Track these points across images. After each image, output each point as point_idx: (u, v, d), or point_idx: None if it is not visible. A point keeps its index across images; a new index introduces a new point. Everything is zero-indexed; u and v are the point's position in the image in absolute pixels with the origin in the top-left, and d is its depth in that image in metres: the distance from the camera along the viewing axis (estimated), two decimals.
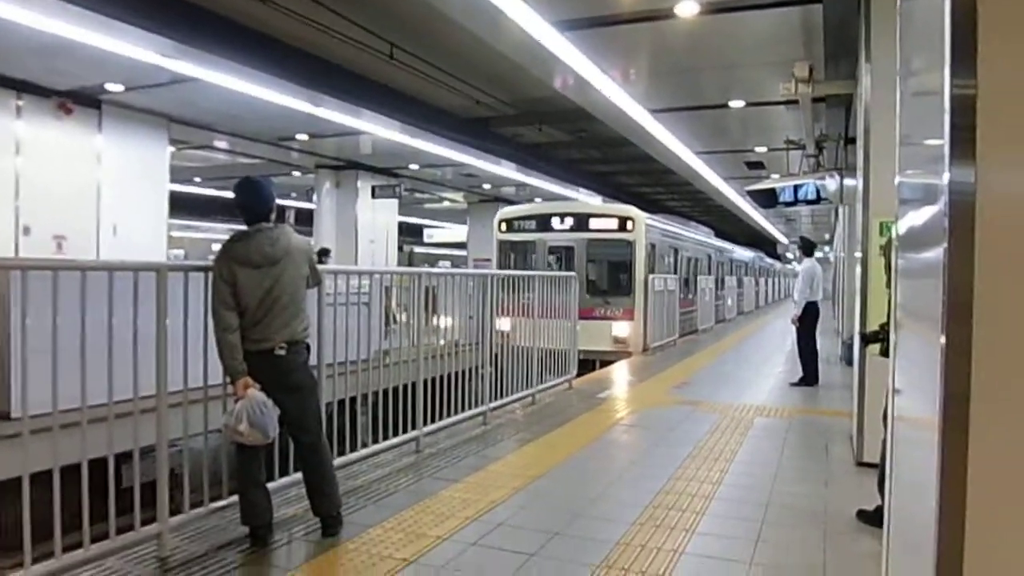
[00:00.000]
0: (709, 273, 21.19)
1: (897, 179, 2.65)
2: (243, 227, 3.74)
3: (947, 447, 1.54)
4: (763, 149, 15.60)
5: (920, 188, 2.06)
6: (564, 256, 14.72)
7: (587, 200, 20.44)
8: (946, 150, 1.57)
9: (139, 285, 3.47)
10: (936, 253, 1.64)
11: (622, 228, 14.39)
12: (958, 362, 1.52)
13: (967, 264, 1.51)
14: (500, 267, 14.55)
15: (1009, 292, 1.49)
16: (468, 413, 6.62)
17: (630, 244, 14.21)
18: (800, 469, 5.47)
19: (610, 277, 15.01)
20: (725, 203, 25.32)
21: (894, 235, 3.03)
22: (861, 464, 5.41)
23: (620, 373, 10.79)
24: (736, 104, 11.58)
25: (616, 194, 21.46)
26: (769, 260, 42.48)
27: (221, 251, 3.66)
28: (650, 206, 20.31)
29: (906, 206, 2.43)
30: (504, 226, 15.37)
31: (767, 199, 11.35)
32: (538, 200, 20.88)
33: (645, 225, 14.58)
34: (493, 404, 7.05)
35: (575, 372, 9.27)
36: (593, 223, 14.63)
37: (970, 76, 1.51)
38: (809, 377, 9.62)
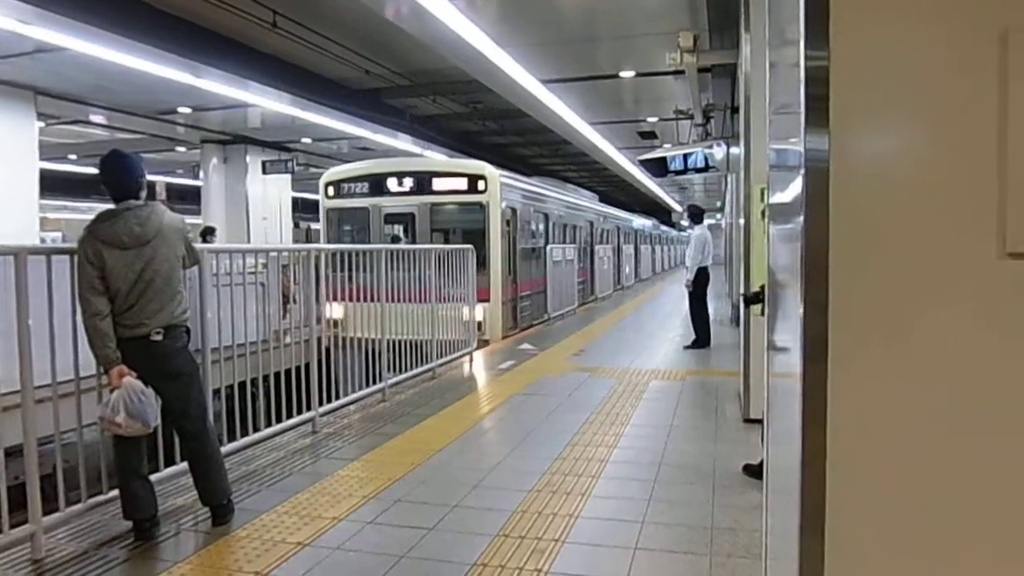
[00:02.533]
0: (592, 242, 19.74)
1: (768, 147, 2.75)
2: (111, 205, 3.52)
3: (808, 398, 1.61)
4: (654, 119, 15.95)
5: (784, 155, 2.14)
6: (406, 225, 12.57)
7: (434, 157, 16.73)
8: (802, 119, 1.62)
9: None
10: (797, 217, 1.71)
11: (472, 189, 12.07)
12: (816, 320, 1.59)
13: (822, 228, 1.57)
14: (329, 240, 12.45)
15: (861, 254, 1.56)
16: (366, 391, 6.53)
17: (483, 208, 11.99)
18: (692, 428, 5.69)
19: None
20: (621, 173, 25.83)
21: (766, 201, 3.15)
22: (748, 420, 5.67)
23: (520, 344, 10.89)
24: (627, 74, 11.77)
25: (503, 161, 18.43)
26: (665, 228, 43.70)
27: (86, 232, 3.42)
28: (549, 178, 19.43)
29: (774, 173, 2.53)
30: (331, 190, 12.78)
31: (658, 168, 11.64)
32: None
33: (501, 184, 12.22)
34: (392, 380, 6.99)
35: (475, 344, 9.30)
36: (437, 184, 12.24)
37: (823, 48, 1.56)
38: (702, 339, 9.98)
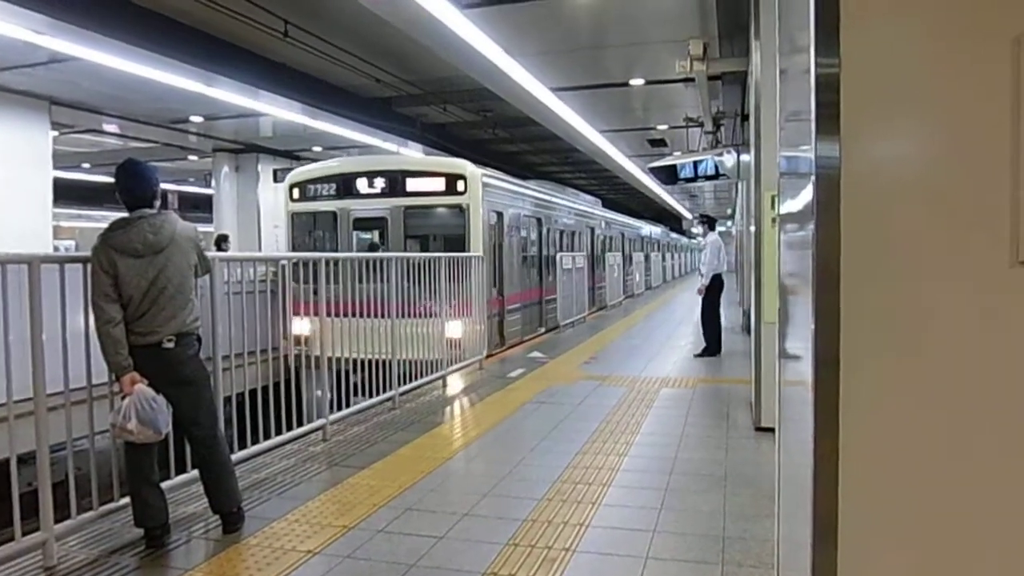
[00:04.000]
0: (594, 250, 18.64)
1: (778, 154, 2.74)
2: (125, 214, 3.55)
3: (820, 406, 1.61)
4: (664, 126, 15.94)
5: (795, 163, 2.13)
6: (380, 231, 11.22)
7: (409, 155, 15.05)
8: (812, 126, 1.62)
9: (8, 278, 3.24)
10: (808, 224, 1.70)
11: (451, 190, 10.70)
12: (828, 328, 1.58)
13: (834, 235, 1.57)
14: (294, 248, 11.34)
15: (873, 262, 1.55)
16: (377, 398, 6.54)
17: (463, 211, 10.64)
18: (702, 437, 5.66)
19: None
20: (631, 180, 25.79)
21: (777, 208, 3.15)
22: (760, 429, 5.63)
23: (528, 352, 10.87)
24: (636, 82, 11.78)
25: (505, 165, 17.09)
26: (675, 235, 43.62)
27: (100, 240, 3.45)
28: (548, 181, 18.57)
29: (785, 180, 2.52)
30: (296, 192, 11.44)
31: (668, 175, 11.61)
32: None
33: (483, 185, 10.83)
34: (403, 388, 6.99)
35: (486, 353, 9.30)
36: (412, 184, 10.85)
37: (833, 55, 1.56)
38: (712, 348, 9.93)
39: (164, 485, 3.79)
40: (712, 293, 9.98)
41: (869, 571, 1.56)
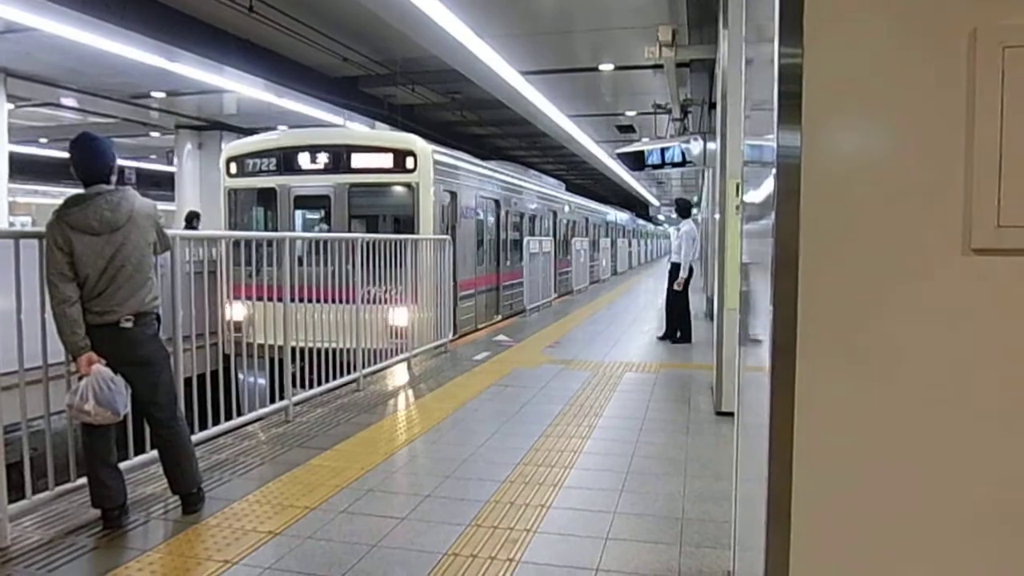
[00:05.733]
0: (556, 235, 18.15)
1: (743, 143, 2.77)
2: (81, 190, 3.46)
3: (777, 391, 1.64)
4: (633, 113, 16.02)
5: (758, 151, 2.16)
6: (324, 210, 10.49)
7: (355, 129, 14.08)
8: (775, 116, 1.64)
9: None
10: (769, 212, 1.73)
11: (399, 167, 10.01)
12: (785, 314, 1.61)
13: (793, 223, 1.59)
14: (231, 226, 10.57)
15: (830, 249, 1.58)
16: (340, 380, 6.50)
17: (412, 189, 10.01)
18: (664, 420, 5.73)
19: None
20: (599, 166, 25.91)
21: (741, 196, 3.18)
22: (720, 413, 5.72)
23: (494, 335, 10.89)
24: (606, 67, 11.80)
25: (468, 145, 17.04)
26: (642, 222, 43.86)
27: (55, 216, 3.35)
28: (510, 162, 18.02)
29: (749, 168, 2.55)
30: (233, 167, 10.56)
31: (635, 161, 11.66)
32: None
33: (434, 162, 10.18)
34: (368, 370, 6.97)
35: (451, 335, 9.30)
36: (357, 160, 10.12)
37: (797, 45, 1.58)
38: (686, 334, 9.86)
39: (122, 466, 3.73)
40: (684, 282, 9.86)
41: (821, 552, 1.60)
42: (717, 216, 6.47)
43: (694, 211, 11.41)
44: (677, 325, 10.00)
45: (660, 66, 9.99)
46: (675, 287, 9.86)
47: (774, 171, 1.64)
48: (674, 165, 11.50)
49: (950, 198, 1.49)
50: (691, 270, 9.97)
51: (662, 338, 9.98)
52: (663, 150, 11.41)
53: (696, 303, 13.47)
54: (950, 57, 1.48)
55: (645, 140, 15.07)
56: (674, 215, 10.41)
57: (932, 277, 1.53)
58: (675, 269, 9.94)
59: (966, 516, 1.53)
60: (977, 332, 1.51)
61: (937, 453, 1.54)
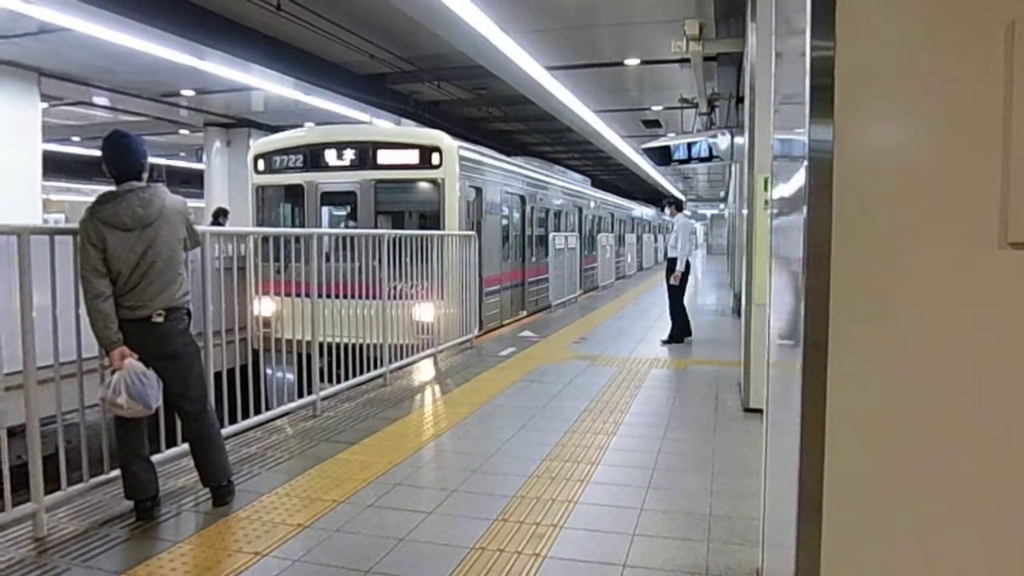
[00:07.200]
0: (582, 230, 18.01)
1: (772, 137, 2.74)
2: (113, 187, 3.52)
3: (808, 387, 1.62)
4: (659, 107, 15.91)
5: (788, 146, 2.14)
6: (352, 206, 10.51)
7: (381, 126, 14.14)
8: (807, 109, 1.62)
9: None
10: (800, 207, 1.71)
11: (425, 163, 10.05)
12: (817, 310, 1.59)
13: (825, 218, 1.58)
14: (259, 223, 10.66)
15: (864, 244, 1.56)
16: (367, 376, 6.55)
17: (438, 186, 10.05)
18: (691, 417, 5.70)
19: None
20: (625, 162, 25.77)
21: (770, 191, 3.15)
22: (748, 410, 5.68)
23: (520, 331, 10.89)
24: (632, 62, 11.73)
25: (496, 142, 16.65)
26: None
27: (87, 213, 3.41)
28: (535, 158, 18.07)
29: (778, 163, 2.53)
30: (261, 163, 10.68)
31: (662, 157, 11.60)
32: None
33: (460, 158, 10.22)
34: (394, 365, 7.01)
35: (477, 331, 9.32)
36: (383, 156, 10.15)
37: (829, 38, 1.56)
38: (683, 331, 9.57)
39: (154, 458, 3.79)
40: (682, 278, 9.61)
41: (853, 549, 1.59)
42: (745, 211, 6.41)
43: (721, 206, 11.29)
44: (682, 326, 9.63)
45: (687, 60, 9.91)
46: (672, 281, 9.61)
47: (805, 165, 1.63)
48: (701, 160, 11.43)
49: (986, 192, 1.47)
50: (688, 265, 9.67)
51: (667, 342, 9.46)
52: (690, 145, 11.34)
53: (722, 298, 13.37)
54: (987, 49, 1.46)
55: (671, 135, 14.97)
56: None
57: (967, 271, 1.50)
58: (672, 264, 9.67)
59: (999, 512, 1.50)
60: (1013, 327, 1.48)
61: (971, 449, 1.52)
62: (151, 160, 3.68)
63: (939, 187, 1.51)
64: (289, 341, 5.86)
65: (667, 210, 10.80)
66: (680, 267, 9.55)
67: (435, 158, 10.02)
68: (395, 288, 7.21)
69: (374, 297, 6.81)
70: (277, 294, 6.23)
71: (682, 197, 40.17)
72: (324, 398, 5.79)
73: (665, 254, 10.49)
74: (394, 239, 7.12)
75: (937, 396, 1.52)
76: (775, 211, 2.61)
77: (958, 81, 1.49)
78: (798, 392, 1.63)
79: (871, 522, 1.57)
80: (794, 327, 1.76)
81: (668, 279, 9.72)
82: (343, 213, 11.00)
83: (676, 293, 9.73)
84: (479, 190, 11.21)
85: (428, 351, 7.80)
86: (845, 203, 1.56)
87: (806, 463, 1.61)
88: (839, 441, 1.58)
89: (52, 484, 3.50)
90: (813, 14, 1.57)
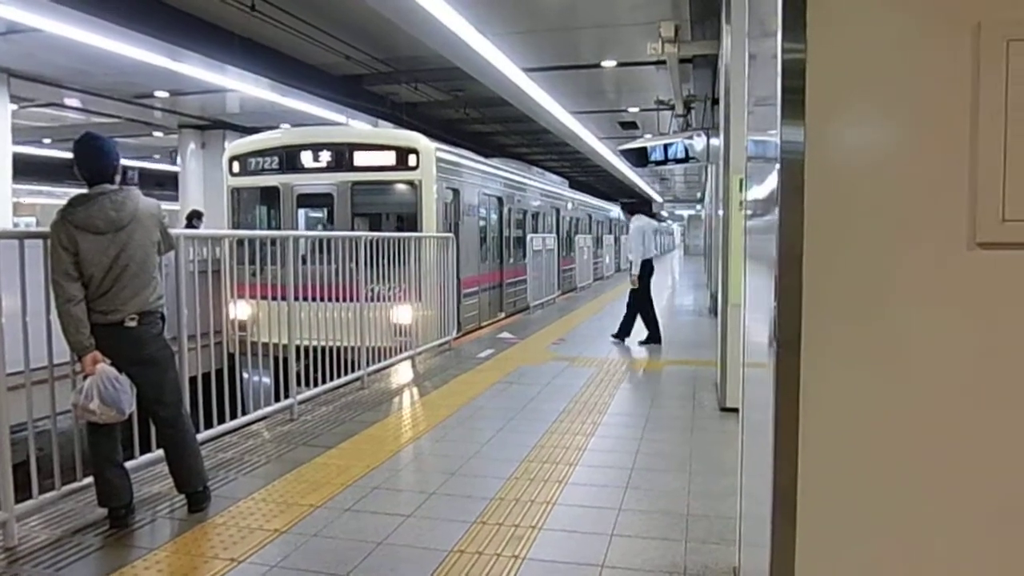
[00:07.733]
0: (559, 231, 18.11)
1: (746, 138, 2.77)
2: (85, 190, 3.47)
3: (781, 386, 1.64)
4: (636, 109, 16.00)
5: (762, 147, 2.16)
6: (328, 208, 10.44)
7: (358, 127, 14.26)
8: (778, 111, 1.64)
9: None
10: (773, 208, 1.72)
11: (402, 164, 10.03)
12: (790, 310, 1.61)
13: (797, 219, 1.59)
14: (235, 225, 10.53)
15: (835, 245, 1.58)
16: (344, 379, 6.51)
17: (415, 187, 10.03)
18: (669, 417, 5.73)
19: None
20: (602, 163, 25.88)
21: (744, 192, 3.18)
22: (724, 410, 5.72)
23: (498, 332, 10.89)
24: (608, 64, 11.78)
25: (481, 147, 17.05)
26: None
27: (59, 216, 3.36)
28: (514, 160, 18.24)
29: (752, 164, 2.55)
30: (236, 165, 10.56)
31: (638, 158, 11.64)
32: None
33: (437, 160, 10.22)
34: (372, 368, 6.98)
35: (455, 333, 9.31)
36: (360, 158, 10.14)
37: (800, 40, 1.57)
38: (654, 335, 9.53)
39: (128, 465, 3.74)
40: (643, 280, 9.61)
41: (827, 547, 1.60)
42: (720, 212, 6.46)
43: (698, 207, 11.37)
44: (637, 324, 9.55)
45: (663, 62, 9.96)
46: (630, 283, 9.57)
47: (778, 167, 1.64)
48: (677, 161, 11.48)
49: (955, 193, 1.49)
50: (651, 267, 9.67)
51: (644, 342, 9.43)
52: (666, 146, 11.39)
53: (699, 299, 13.46)
54: (954, 51, 1.48)
55: (648, 136, 15.05)
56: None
57: (937, 272, 1.52)
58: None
59: (971, 510, 1.52)
60: (982, 326, 1.51)
61: (943, 447, 1.54)
62: (124, 162, 3.63)
63: (910, 188, 1.54)
64: (266, 344, 5.81)
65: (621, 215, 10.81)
66: (635, 270, 9.53)
67: (412, 160, 10.01)
68: (373, 290, 7.17)
69: (351, 300, 6.78)
70: (253, 297, 6.19)
71: (659, 198, 40.44)
72: (301, 402, 5.75)
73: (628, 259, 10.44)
74: (371, 241, 7.08)
75: (909, 395, 1.54)
76: (750, 212, 2.64)
77: (927, 83, 1.51)
78: (771, 392, 1.65)
79: (845, 519, 1.59)
80: (767, 327, 1.78)
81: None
82: (320, 215, 10.93)
83: (639, 296, 9.68)
84: (456, 192, 11.20)
85: (406, 353, 7.77)
86: (817, 204, 1.58)
87: (780, 462, 1.63)
88: (813, 440, 1.59)
89: (23, 492, 3.44)
90: (784, 17, 1.59)
